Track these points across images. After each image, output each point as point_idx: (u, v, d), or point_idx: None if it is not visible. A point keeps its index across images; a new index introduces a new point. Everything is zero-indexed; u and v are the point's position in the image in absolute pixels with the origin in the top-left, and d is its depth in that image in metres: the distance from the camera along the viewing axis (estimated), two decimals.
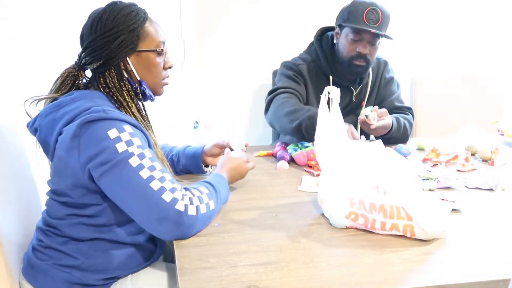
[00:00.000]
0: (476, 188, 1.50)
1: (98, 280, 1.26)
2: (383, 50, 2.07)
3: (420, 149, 1.91)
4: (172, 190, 1.15)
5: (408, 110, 2.10)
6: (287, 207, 1.36)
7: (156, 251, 1.34)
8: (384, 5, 1.92)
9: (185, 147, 1.63)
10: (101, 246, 1.25)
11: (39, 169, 1.49)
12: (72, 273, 1.24)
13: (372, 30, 1.86)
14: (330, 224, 1.25)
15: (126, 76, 1.29)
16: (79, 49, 1.30)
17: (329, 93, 1.30)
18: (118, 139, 1.15)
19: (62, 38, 2.40)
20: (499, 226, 1.25)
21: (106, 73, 1.27)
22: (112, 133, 1.15)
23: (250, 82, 2.68)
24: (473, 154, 1.81)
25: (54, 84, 1.32)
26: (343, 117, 1.85)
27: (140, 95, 1.31)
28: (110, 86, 1.27)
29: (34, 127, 1.28)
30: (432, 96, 2.49)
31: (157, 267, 1.34)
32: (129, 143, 1.15)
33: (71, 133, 1.16)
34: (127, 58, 1.28)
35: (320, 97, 1.98)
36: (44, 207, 1.33)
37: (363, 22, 1.87)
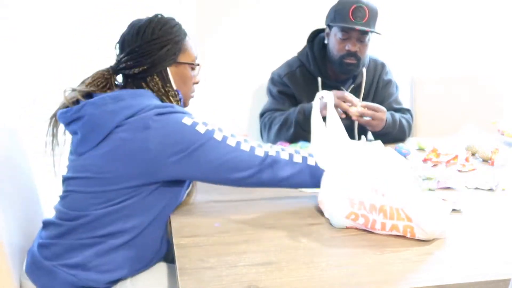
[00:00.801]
0: (476, 188, 1.50)
1: (102, 283, 1.26)
2: (383, 50, 2.07)
3: (420, 149, 1.91)
4: (260, 146, 1.30)
5: (407, 111, 2.10)
6: (287, 207, 1.36)
7: (160, 250, 1.34)
8: (371, 1, 1.91)
9: None
10: (109, 246, 1.25)
11: (39, 169, 1.49)
12: (77, 275, 1.24)
13: (358, 28, 1.86)
14: (330, 224, 1.25)
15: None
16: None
17: (322, 97, 1.31)
18: (195, 123, 1.24)
19: (62, 38, 2.40)
20: (499, 226, 1.25)
21: (148, 79, 1.31)
22: (187, 120, 1.23)
23: (250, 82, 2.67)
24: (473, 154, 1.81)
25: (84, 82, 1.33)
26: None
27: (180, 102, 1.35)
28: (155, 90, 1.31)
29: (78, 115, 1.26)
30: (432, 96, 2.48)
31: (157, 267, 1.34)
32: (205, 124, 1.25)
33: (140, 125, 1.20)
34: (168, 67, 1.32)
35: (312, 99, 1.99)
36: (44, 207, 1.33)
37: (350, 20, 1.88)
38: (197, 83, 1.44)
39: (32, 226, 1.40)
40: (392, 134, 1.93)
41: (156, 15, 1.35)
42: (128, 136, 1.21)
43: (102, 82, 1.32)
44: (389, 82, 2.12)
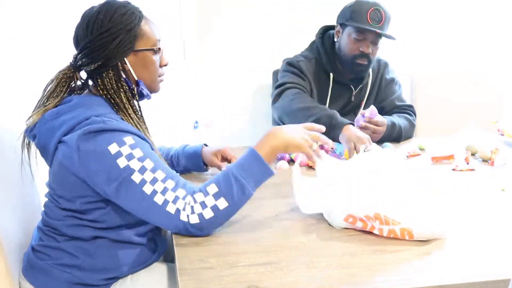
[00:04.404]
0: (476, 188, 1.50)
1: (99, 280, 1.26)
2: (383, 49, 2.07)
3: (421, 149, 1.91)
4: (175, 201, 1.15)
5: (409, 108, 2.12)
6: (287, 207, 1.36)
7: (157, 250, 1.34)
8: (385, 5, 1.93)
9: (183, 147, 1.62)
10: (103, 245, 1.26)
11: (39, 170, 1.49)
12: (72, 273, 1.24)
13: (377, 31, 1.88)
14: (330, 224, 1.25)
15: (124, 76, 1.27)
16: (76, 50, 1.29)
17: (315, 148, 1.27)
18: (119, 154, 1.14)
19: (62, 39, 2.40)
20: (499, 226, 1.25)
21: (104, 74, 1.25)
22: (113, 148, 1.14)
23: (250, 82, 2.67)
24: (473, 154, 1.81)
25: (47, 89, 1.29)
26: (344, 116, 1.86)
27: (137, 95, 1.30)
28: (108, 87, 1.25)
29: (33, 133, 1.27)
30: (432, 96, 2.49)
31: (157, 267, 1.34)
32: (129, 157, 1.14)
33: (72, 145, 1.16)
34: (125, 58, 1.26)
35: (323, 92, 1.97)
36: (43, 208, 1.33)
37: (367, 22, 1.89)
38: (165, 65, 1.35)
39: (31, 226, 1.40)
40: (390, 138, 1.94)
41: (106, 3, 1.25)
42: (64, 158, 1.19)
43: (66, 81, 1.28)
44: (391, 81, 2.14)
